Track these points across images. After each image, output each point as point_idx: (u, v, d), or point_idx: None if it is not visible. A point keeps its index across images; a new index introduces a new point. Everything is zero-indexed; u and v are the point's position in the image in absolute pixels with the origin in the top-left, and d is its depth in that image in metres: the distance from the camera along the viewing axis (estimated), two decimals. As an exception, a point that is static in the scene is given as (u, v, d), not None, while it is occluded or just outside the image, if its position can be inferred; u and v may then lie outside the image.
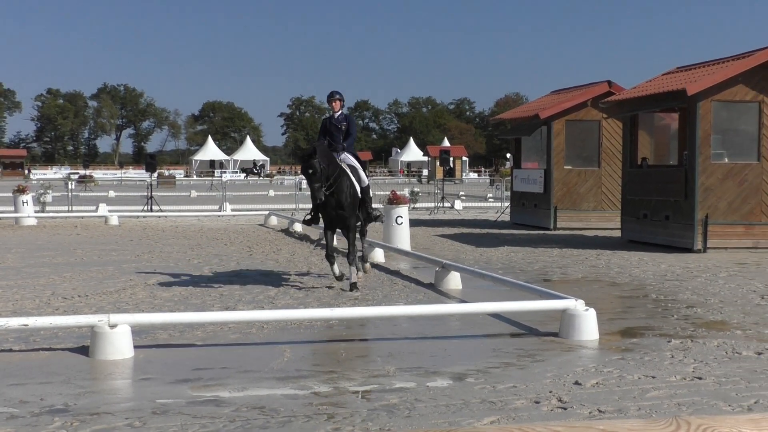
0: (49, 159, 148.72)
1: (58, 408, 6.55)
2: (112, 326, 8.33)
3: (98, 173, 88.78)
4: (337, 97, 13.19)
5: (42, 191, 32.57)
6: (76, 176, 61.50)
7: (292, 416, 6.33)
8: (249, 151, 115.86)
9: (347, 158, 13.06)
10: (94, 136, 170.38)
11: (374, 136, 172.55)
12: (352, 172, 12.89)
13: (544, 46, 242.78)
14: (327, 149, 12.66)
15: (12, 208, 27.89)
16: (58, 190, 39.69)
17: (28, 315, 9.96)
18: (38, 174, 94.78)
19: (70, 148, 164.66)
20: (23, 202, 27.11)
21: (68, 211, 30.98)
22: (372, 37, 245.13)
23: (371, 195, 13.71)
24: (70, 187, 37.21)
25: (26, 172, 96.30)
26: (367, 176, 13.55)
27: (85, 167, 76.45)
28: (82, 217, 28.76)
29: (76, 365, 8.02)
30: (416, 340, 9.43)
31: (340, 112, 13.22)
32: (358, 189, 12.91)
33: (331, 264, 12.97)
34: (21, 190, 27.43)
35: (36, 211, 28.50)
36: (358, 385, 7.25)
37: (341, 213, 12.68)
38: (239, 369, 7.90)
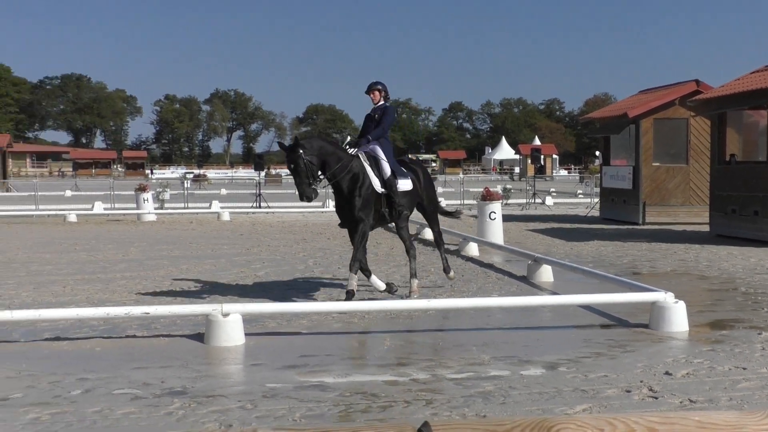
0: (167, 159, 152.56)
1: (177, 390, 6.71)
2: (225, 315, 8.49)
3: (211, 172, 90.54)
4: (376, 87, 11.43)
5: (161, 189, 33.39)
6: (192, 175, 62.95)
7: (393, 401, 6.34)
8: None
9: (370, 149, 11.14)
10: (207, 138, 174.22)
11: (468, 136, 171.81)
12: (372, 165, 10.96)
13: (632, 47, 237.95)
14: (323, 141, 10.94)
15: (134, 205, 28.71)
16: (175, 188, 40.67)
17: (149, 304, 10.24)
18: (157, 173, 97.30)
19: (186, 149, 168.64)
20: (144, 200, 27.89)
21: (184, 208, 31.74)
22: (465, 40, 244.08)
23: (403, 188, 11.11)
24: (186, 185, 38.10)
25: (148, 172, 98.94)
26: (415, 170, 11.66)
27: (200, 167, 78.19)
28: (197, 213, 29.37)
29: (193, 351, 8.20)
30: (510, 330, 9.34)
31: (380, 103, 11.42)
32: (377, 184, 10.83)
33: (352, 273, 10.77)
34: (142, 189, 28.24)
35: (155, 208, 29.24)
36: (455, 373, 7.23)
37: (347, 213, 10.86)
38: (342, 356, 7.96)
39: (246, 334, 8.60)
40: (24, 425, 5.83)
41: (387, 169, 11.00)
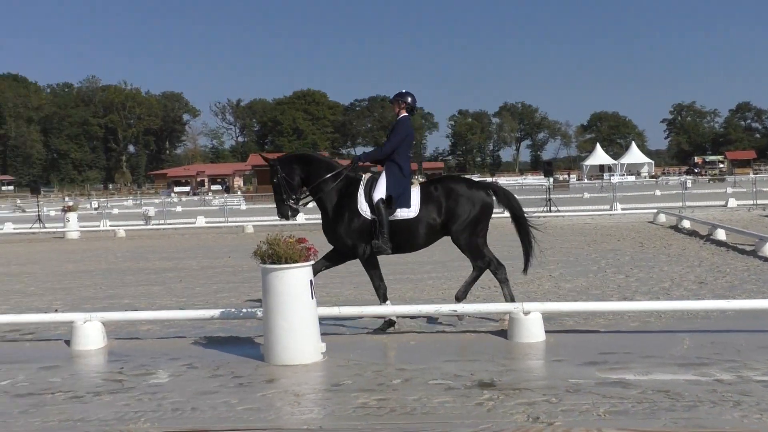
0: (461, 169, 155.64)
1: (485, 382, 6.77)
2: (526, 313, 8.47)
3: (502, 180, 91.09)
4: (396, 99, 9.74)
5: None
6: (484, 183, 63.60)
7: (697, 401, 5.97)
8: (634, 155, 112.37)
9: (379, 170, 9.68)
10: (497, 147, 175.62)
11: (757, 136, 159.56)
12: (372, 187, 9.40)
13: None
14: (307, 158, 9.75)
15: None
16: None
17: (454, 302, 10.44)
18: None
19: (478, 159, 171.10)
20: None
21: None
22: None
23: (402, 216, 9.31)
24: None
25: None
26: (436, 198, 9.42)
27: (491, 175, 78.75)
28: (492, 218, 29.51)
29: (497, 346, 8.24)
30: (817, 332, 8.49)
31: (400, 116, 9.67)
32: (363, 208, 9.31)
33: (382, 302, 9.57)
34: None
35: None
36: (762, 375, 6.68)
37: (330, 233, 9.60)
38: (641, 354, 7.63)
39: (546, 332, 8.51)
40: (354, 408, 6.14)
41: (378, 194, 9.31)
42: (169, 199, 66.51)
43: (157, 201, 62.60)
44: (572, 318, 9.52)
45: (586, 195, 50.58)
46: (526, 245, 10.04)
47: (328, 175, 9.50)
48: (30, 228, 31.75)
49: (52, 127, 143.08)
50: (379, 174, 9.53)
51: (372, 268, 9.55)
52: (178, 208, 48.47)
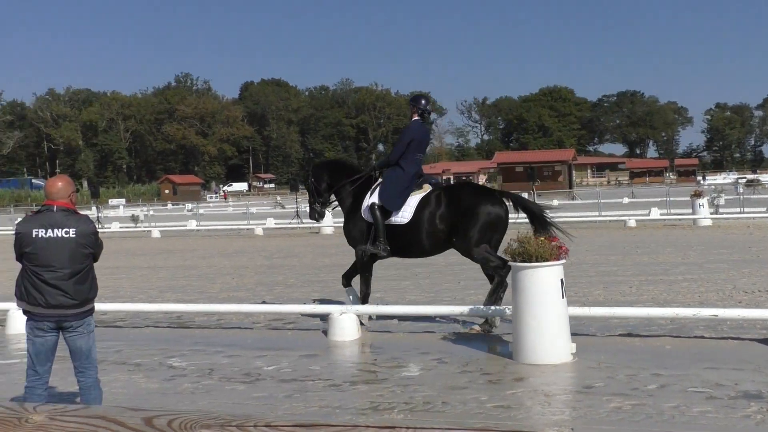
0: (717, 166, 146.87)
1: (752, 394, 6.32)
2: (798, 321, 7.81)
3: (765, 177, 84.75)
4: (410, 104, 10.17)
5: (715, 195, 32.12)
6: (744, 180, 59.61)
7: None
8: None
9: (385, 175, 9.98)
10: (760, 143, 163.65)
11: None
12: (374, 190, 9.68)
13: None
14: (335, 164, 10.59)
15: (689, 211, 28.01)
16: (728, 193, 38.83)
17: (713, 306, 9.86)
18: (708, 179, 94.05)
19: (737, 155, 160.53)
20: (699, 205, 27.05)
21: (740, 213, 30.08)
22: None
23: (395, 221, 9.46)
24: (739, 190, 36.14)
25: (699, 178, 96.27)
26: (433, 204, 9.42)
27: (753, 172, 73.61)
28: (753, 218, 27.64)
29: (764, 355, 7.66)
30: None
31: (412, 119, 9.91)
32: (366, 213, 9.59)
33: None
34: (697, 195, 27.46)
35: (710, 213, 28.19)
36: None
37: (345, 235, 10.16)
38: None
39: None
40: (608, 412, 5.96)
41: (372, 198, 9.57)
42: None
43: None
44: None
45: None
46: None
47: (347, 180, 9.95)
48: (289, 223, 33.83)
49: (309, 127, 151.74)
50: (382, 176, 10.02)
51: (365, 271, 9.83)
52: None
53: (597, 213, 31.54)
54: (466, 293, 12.61)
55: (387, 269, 16.44)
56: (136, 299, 13.02)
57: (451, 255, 18.88)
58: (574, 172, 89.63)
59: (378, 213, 9.49)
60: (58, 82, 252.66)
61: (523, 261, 7.53)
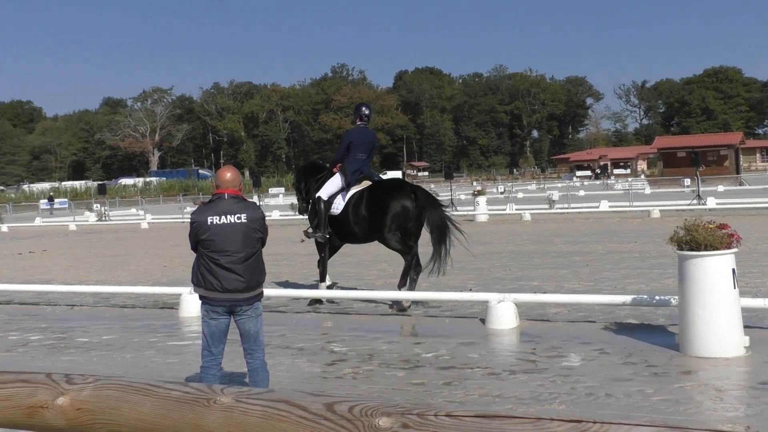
0: None
1: None
2: None
3: None
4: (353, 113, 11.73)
5: None
6: None
7: None
8: None
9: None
10: None
11: None
12: (319, 188, 11.43)
13: None
14: (308, 164, 12.92)
15: None
16: None
17: None
18: None
19: None
20: None
21: None
22: None
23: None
24: None
25: None
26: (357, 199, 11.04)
27: None
28: None
29: None
30: None
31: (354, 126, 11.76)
32: (319, 204, 11.22)
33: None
34: None
35: None
36: None
37: None
38: None
39: None
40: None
41: (318, 192, 11.29)
42: (572, 183, 66.85)
43: (559, 185, 63.27)
44: None
45: None
46: (439, 248, 10.73)
47: (313, 179, 11.67)
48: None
49: (462, 115, 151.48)
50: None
51: (320, 251, 11.45)
52: (581, 192, 48.47)
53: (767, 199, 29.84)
54: (626, 282, 12.23)
55: (544, 257, 16.19)
56: (298, 285, 13.41)
57: (611, 242, 18.39)
58: (741, 156, 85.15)
59: (320, 205, 11.13)
60: (223, 76, 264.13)
61: (691, 249, 7.20)
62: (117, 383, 1.51)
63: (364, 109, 11.56)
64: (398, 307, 10.73)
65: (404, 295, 10.73)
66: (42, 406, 1.51)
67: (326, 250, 11.37)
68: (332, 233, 11.20)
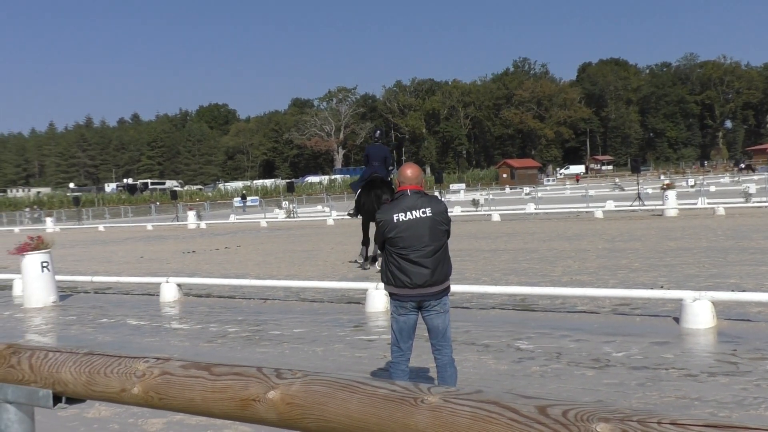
0: None
1: None
2: None
3: None
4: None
5: None
6: None
7: None
8: None
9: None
10: None
11: None
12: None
13: None
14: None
15: None
16: None
17: None
18: None
19: None
20: None
21: None
22: None
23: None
24: None
25: None
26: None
27: None
28: None
29: None
30: None
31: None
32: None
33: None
34: None
35: None
36: None
37: None
38: None
39: None
40: None
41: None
42: (770, 176, 62.77)
43: (755, 178, 59.58)
44: None
45: None
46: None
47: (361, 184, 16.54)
48: (630, 205, 32.78)
49: (649, 106, 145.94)
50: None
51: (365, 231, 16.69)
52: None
53: None
54: (838, 281, 11.29)
55: (741, 254, 15.26)
56: (480, 281, 13.35)
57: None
58: None
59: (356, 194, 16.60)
60: (405, 74, 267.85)
61: None
62: (324, 379, 1.51)
63: (377, 132, 17.48)
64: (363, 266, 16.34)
65: (597, 292, 10.42)
66: (254, 399, 1.54)
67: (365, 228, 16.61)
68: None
